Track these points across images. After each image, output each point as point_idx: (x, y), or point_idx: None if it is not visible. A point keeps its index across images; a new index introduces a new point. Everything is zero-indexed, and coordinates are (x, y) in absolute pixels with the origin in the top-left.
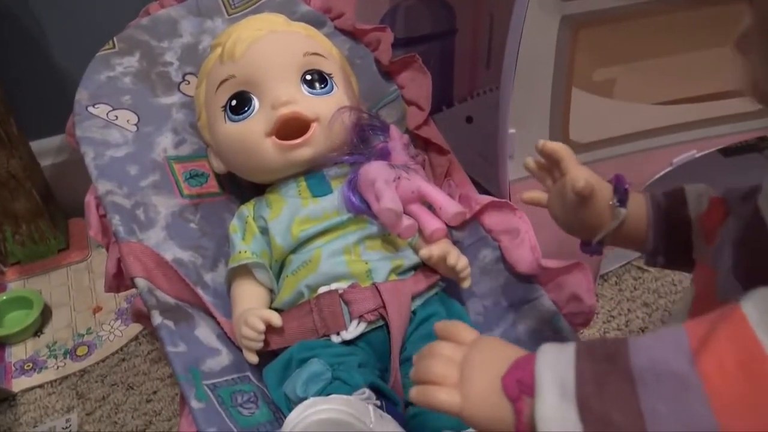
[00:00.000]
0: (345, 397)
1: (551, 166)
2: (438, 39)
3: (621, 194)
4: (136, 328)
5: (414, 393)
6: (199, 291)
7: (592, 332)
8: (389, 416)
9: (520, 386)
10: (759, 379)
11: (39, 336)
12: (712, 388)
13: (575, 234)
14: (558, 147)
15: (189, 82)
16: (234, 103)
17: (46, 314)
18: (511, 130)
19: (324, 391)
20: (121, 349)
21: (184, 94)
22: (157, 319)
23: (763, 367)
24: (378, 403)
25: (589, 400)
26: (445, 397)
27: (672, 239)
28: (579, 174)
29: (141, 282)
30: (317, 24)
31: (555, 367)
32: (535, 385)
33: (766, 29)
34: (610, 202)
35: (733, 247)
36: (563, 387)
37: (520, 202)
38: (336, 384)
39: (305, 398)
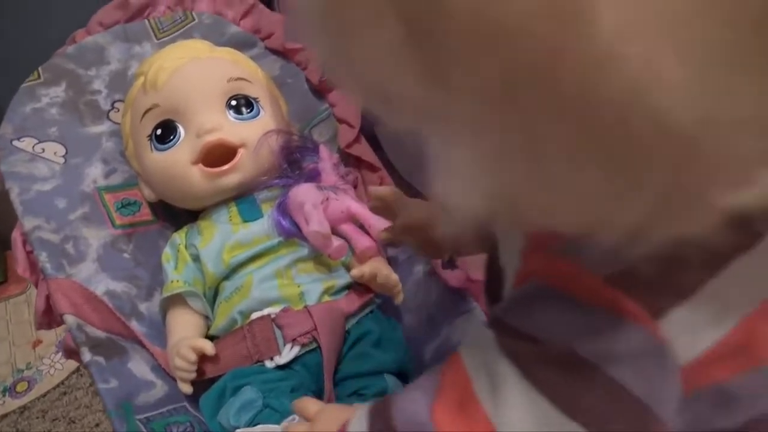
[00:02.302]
0: (271, 427)
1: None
2: None
3: None
4: None
5: None
6: (133, 323)
7: None
8: None
9: None
10: (472, 417)
11: None
12: None
13: (433, 258)
14: (385, 192)
15: (118, 110)
16: (159, 132)
17: None
18: None
19: (255, 420)
20: (62, 382)
21: (113, 122)
22: (86, 355)
23: (474, 406)
24: None
25: None
26: None
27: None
28: (405, 217)
29: (70, 318)
30: (247, 45)
31: None
32: None
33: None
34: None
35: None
36: None
37: None
38: (266, 412)
39: (237, 427)
